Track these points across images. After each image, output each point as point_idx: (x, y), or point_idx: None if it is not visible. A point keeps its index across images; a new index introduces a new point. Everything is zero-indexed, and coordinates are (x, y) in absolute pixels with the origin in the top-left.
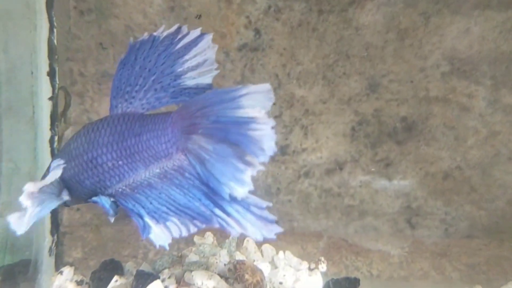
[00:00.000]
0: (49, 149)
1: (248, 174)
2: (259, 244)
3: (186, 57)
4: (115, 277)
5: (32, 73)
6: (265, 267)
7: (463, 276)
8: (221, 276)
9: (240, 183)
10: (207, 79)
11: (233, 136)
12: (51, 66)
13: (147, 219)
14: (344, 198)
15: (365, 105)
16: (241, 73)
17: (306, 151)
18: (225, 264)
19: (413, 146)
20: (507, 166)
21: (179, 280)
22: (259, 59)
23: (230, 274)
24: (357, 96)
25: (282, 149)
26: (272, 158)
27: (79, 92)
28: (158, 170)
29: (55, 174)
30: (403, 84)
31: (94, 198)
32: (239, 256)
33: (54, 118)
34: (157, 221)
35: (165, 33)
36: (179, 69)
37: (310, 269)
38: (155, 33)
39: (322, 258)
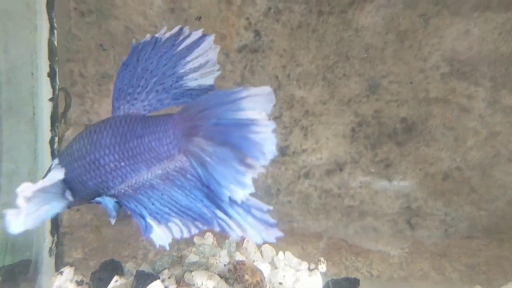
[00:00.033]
0: (49, 150)
1: (249, 176)
2: (259, 245)
3: (188, 58)
4: (115, 278)
5: (32, 74)
6: (265, 268)
7: (463, 277)
8: (221, 277)
9: (241, 186)
10: (209, 80)
11: (233, 139)
12: (51, 67)
13: (149, 219)
14: (344, 198)
15: (365, 106)
16: (241, 74)
17: (306, 152)
18: (225, 265)
19: (413, 147)
20: (507, 167)
21: (179, 281)
22: (259, 60)
23: (230, 274)
24: (357, 97)
25: (282, 150)
26: (272, 159)
27: (79, 93)
28: (160, 172)
29: (55, 175)
30: (403, 85)
31: (98, 199)
32: (239, 257)
33: (54, 119)
34: (159, 222)
35: (167, 35)
36: (181, 71)
37: (310, 270)
38: (157, 35)
39: (322, 259)
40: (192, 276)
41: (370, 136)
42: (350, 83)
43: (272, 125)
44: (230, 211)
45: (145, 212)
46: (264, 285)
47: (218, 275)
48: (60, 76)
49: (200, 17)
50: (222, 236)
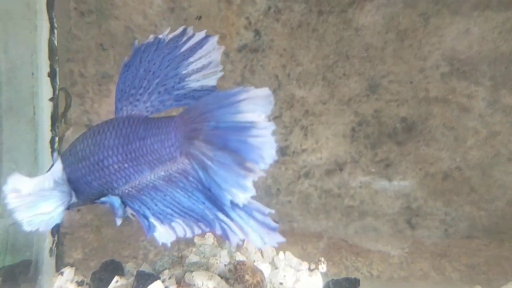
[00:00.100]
0: (49, 150)
1: (250, 180)
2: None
3: (191, 59)
4: (116, 278)
5: (32, 73)
6: (265, 268)
7: (463, 277)
8: (222, 277)
9: (242, 189)
10: (211, 81)
11: (232, 143)
12: (51, 67)
13: (152, 219)
14: (344, 198)
15: (365, 105)
16: (241, 74)
17: (306, 152)
18: (225, 265)
19: (413, 146)
20: (507, 167)
21: (179, 281)
22: (259, 60)
23: (230, 274)
24: (357, 97)
25: (282, 150)
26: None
27: (79, 93)
28: (163, 173)
29: (57, 172)
30: (403, 85)
31: (103, 199)
32: (239, 257)
33: (54, 119)
34: (162, 222)
35: (170, 36)
36: (184, 72)
37: (310, 270)
38: (160, 36)
39: (322, 259)
40: (193, 276)
41: (370, 136)
42: (350, 82)
43: (271, 127)
44: (232, 214)
45: (148, 213)
46: (265, 285)
47: (219, 275)
48: (60, 76)
49: (200, 17)
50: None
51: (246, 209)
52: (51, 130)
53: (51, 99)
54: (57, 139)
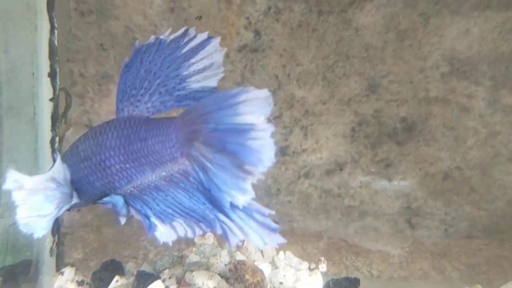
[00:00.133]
0: (50, 150)
1: (249, 182)
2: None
3: (192, 60)
4: (116, 278)
5: (33, 74)
6: (265, 267)
7: (463, 276)
8: (222, 276)
9: (241, 192)
10: (212, 82)
11: (231, 146)
12: (52, 67)
13: (153, 219)
14: (344, 198)
15: (365, 105)
16: (241, 74)
17: (306, 152)
18: (225, 264)
19: (413, 146)
20: (507, 167)
21: (179, 281)
22: (259, 60)
23: (230, 274)
24: (357, 97)
25: (282, 150)
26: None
27: (80, 93)
28: (164, 173)
29: (58, 171)
30: (403, 85)
31: (106, 199)
32: (239, 257)
33: (55, 119)
34: (163, 222)
35: (171, 36)
36: (185, 72)
37: (310, 269)
38: (161, 36)
39: (322, 258)
40: (193, 276)
41: (370, 136)
42: (350, 82)
43: (270, 129)
44: (232, 215)
45: (150, 213)
46: (265, 284)
47: (219, 275)
48: (61, 76)
49: (200, 17)
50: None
51: (246, 210)
52: (51, 130)
53: (51, 99)
54: (57, 139)
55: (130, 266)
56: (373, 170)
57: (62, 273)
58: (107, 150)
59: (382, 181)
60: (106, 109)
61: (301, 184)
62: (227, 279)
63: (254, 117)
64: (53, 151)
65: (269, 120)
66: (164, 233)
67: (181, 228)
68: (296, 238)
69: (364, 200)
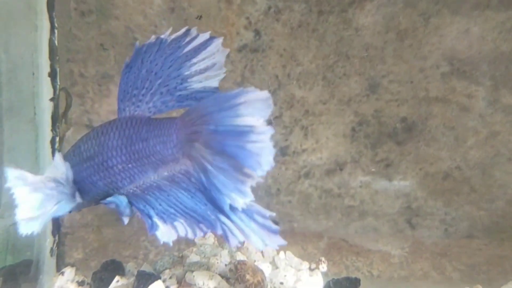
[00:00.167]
0: (50, 150)
1: (248, 185)
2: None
3: (194, 60)
4: (116, 278)
5: (33, 73)
6: (266, 267)
7: (464, 276)
8: (222, 277)
9: (241, 194)
10: (214, 83)
11: (230, 148)
12: (52, 67)
13: (156, 219)
14: (344, 198)
15: (365, 105)
16: (241, 74)
17: (306, 152)
18: (226, 265)
19: (413, 146)
20: (507, 166)
21: (180, 281)
22: (259, 60)
23: (231, 274)
24: (357, 97)
25: (282, 150)
26: (273, 158)
27: (80, 93)
28: (166, 173)
29: (61, 170)
30: (403, 85)
31: (110, 199)
32: (240, 257)
33: (55, 119)
34: (165, 221)
35: (172, 36)
36: (186, 72)
37: (310, 269)
38: (162, 36)
39: (323, 258)
40: (193, 276)
41: (370, 136)
42: (350, 82)
43: (270, 131)
44: (233, 216)
45: (152, 212)
46: (265, 284)
47: (219, 275)
48: (61, 76)
49: (201, 16)
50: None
51: (247, 211)
52: (52, 130)
53: (51, 99)
54: (57, 139)
55: (130, 266)
56: (373, 170)
57: (62, 273)
58: (109, 150)
59: (382, 181)
60: (106, 109)
61: (301, 184)
62: (227, 279)
63: (253, 119)
64: (54, 151)
65: (269, 121)
66: (165, 233)
67: (182, 228)
68: (297, 238)
69: (364, 200)
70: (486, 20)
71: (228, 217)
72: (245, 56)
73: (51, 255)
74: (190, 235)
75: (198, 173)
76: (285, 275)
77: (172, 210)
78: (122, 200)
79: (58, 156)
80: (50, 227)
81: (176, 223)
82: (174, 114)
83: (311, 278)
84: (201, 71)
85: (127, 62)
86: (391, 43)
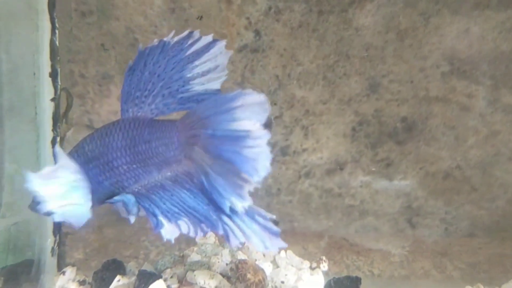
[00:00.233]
0: (51, 150)
1: (246, 190)
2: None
3: (197, 62)
4: (118, 277)
5: (34, 74)
6: (267, 267)
7: (464, 275)
8: (223, 276)
9: (240, 198)
10: (215, 85)
11: (227, 153)
12: (53, 67)
13: (161, 217)
14: (344, 198)
15: (366, 105)
16: (242, 74)
17: (307, 152)
18: (227, 264)
19: (413, 146)
20: (507, 166)
21: (181, 280)
22: (259, 60)
23: (232, 273)
24: (358, 97)
25: (283, 150)
26: (273, 159)
27: (80, 94)
28: (170, 174)
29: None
30: (403, 84)
31: (117, 197)
32: (241, 256)
33: (56, 119)
34: (169, 220)
35: (175, 38)
36: (188, 75)
37: (311, 268)
38: (165, 38)
39: (324, 258)
40: (195, 275)
41: (370, 135)
42: (350, 82)
43: (266, 136)
44: (234, 217)
45: (157, 211)
46: (266, 284)
47: (220, 274)
48: (61, 76)
49: (201, 17)
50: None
51: (249, 212)
52: (53, 130)
53: (52, 99)
54: (58, 139)
55: (131, 266)
56: (373, 169)
57: (63, 273)
58: (114, 151)
59: (383, 180)
60: (106, 110)
61: (302, 184)
62: (228, 278)
63: (250, 124)
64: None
65: (270, 121)
66: (169, 230)
67: (185, 226)
68: (297, 238)
69: (364, 199)
70: (486, 19)
71: (229, 217)
72: (246, 56)
73: (52, 255)
74: (192, 234)
75: (199, 175)
76: (286, 274)
77: (175, 209)
78: (130, 198)
79: (64, 154)
80: (51, 227)
81: (180, 222)
82: (175, 115)
83: (312, 277)
84: (203, 74)
85: (130, 64)
86: (391, 43)
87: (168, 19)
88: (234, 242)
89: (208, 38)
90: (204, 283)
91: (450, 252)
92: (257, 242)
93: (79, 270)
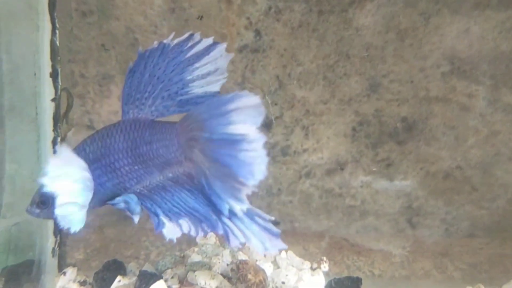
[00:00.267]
0: (52, 150)
1: (244, 193)
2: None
3: (197, 65)
4: (118, 277)
5: (35, 74)
6: (267, 267)
7: (465, 275)
8: (224, 276)
9: (238, 201)
10: (215, 88)
11: (224, 157)
12: (53, 67)
13: (162, 217)
14: (345, 198)
15: (366, 105)
16: (242, 74)
17: (307, 152)
18: (227, 264)
19: (413, 146)
20: (507, 166)
21: (182, 280)
22: (259, 60)
23: (233, 274)
24: (358, 97)
25: (283, 150)
26: (273, 159)
27: (80, 94)
28: (171, 175)
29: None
30: (403, 84)
31: (119, 198)
32: (241, 256)
33: (57, 119)
34: (171, 219)
35: (175, 41)
36: (188, 77)
37: (312, 269)
38: (165, 41)
39: (324, 258)
40: (195, 275)
41: (371, 135)
42: (350, 82)
43: (262, 139)
44: (234, 218)
45: (159, 211)
46: (267, 284)
47: (221, 274)
48: (62, 76)
49: (202, 16)
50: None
51: (248, 213)
52: (53, 130)
53: (53, 100)
54: (59, 139)
55: (132, 266)
56: (374, 169)
57: (64, 273)
58: (115, 153)
59: (383, 180)
60: (107, 110)
61: (302, 184)
62: (229, 279)
63: (245, 127)
64: (55, 151)
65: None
66: (170, 230)
67: (186, 225)
68: (298, 238)
69: (365, 199)
70: (486, 19)
71: (229, 218)
72: (246, 56)
73: (53, 255)
74: (193, 233)
75: (200, 176)
76: (286, 275)
77: (176, 210)
78: (133, 198)
79: (71, 151)
80: (51, 227)
81: (181, 221)
82: (176, 117)
83: (313, 277)
84: (203, 76)
85: (130, 66)
86: (391, 43)
87: (168, 19)
88: (234, 242)
89: (209, 40)
90: (205, 283)
91: (450, 252)
92: (256, 243)
93: (80, 271)
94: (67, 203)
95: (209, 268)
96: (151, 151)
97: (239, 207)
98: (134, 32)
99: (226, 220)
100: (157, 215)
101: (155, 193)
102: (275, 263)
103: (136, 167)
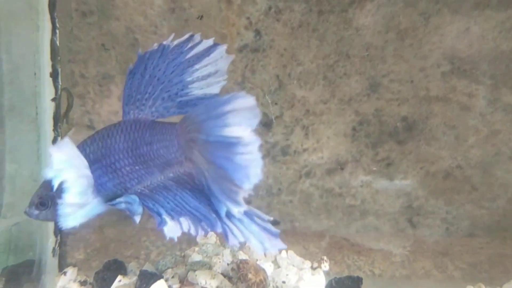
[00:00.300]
0: None
1: (241, 196)
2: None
3: (197, 66)
4: (119, 277)
5: (35, 74)
6: (268, 267)
7: (465, 275)
8: (225, 276)
9: (235, 204)
10: (215, 89)
11: (220, 160)
12: (53, 67)
13: (165, 216)
14: (345, 198)
15: (366, 105)
16: (242, 74)
17: (307, 151)
18: (228, 264)
19: (413, 145)
20: (508, 165)
21: (182, 280)
22: (259, 60)
23: (233, 273)
24: (358, 96)
25: (283, 150)
26: (274, 159)
27: (80, 94)
28: (172, 175)
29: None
30: (403, 84)
31: (120, 199)
32: (242, 256)
33: (57, 119)
34: (172, 218)
35: (175, 42)
36: (188, 79)
37: (313, 268)
38: (165, 42)
39: (325, 257)
40: (196, 275)
41: (371, 135)
42: (351, 82)
43: (257, 142)
44: (234, 218)
45: (162, 210)
46: (267, 284)
47: (222, 274)
48: (62, 76)
49: (202, 16)
50: None
51: (248, 214)
52: (54, 130)
53: (53, 99)
54: (59, 139)
55: (132, 266)
56: (374, 169)
57: (64, 273)
58: (116, 153)
59: (383, 180)
60: (107, 110)
61: (302, 184)
62: (229, 278)
63: (241, 129)
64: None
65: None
66: (171, 228)
67: (186, 224)
68: (298, 238)
69: (365, 199)
70: (486, 19)
71: (229, 218)
72: (246, 56)
73: (53, 255)
74: (193, 232)
75: (200, 176)
76: (287, 274)
77: (178, 209)
78: (134, 198)
79: (75, 148)
80: (52, 227)
81: (181, 219)
82: (176, 117)
83: (313, 277)
84: (203, 78)
85: (130, 68)
86: (391, 43)
87: (168, 19)
88: (233, 241)
89: (209, 41)
90: (206, 283)
91: (451, 252)
92: (256, 243)
93: (80, 271)
94: (75, 193)
95: (210, 267)
96: (152, 151)
97: (237, 210)
98: (134, 32)
99: (226, 220)
100: (159, 215)
101: (156, 192)
102: (275, 262)
103: (137, 168)
